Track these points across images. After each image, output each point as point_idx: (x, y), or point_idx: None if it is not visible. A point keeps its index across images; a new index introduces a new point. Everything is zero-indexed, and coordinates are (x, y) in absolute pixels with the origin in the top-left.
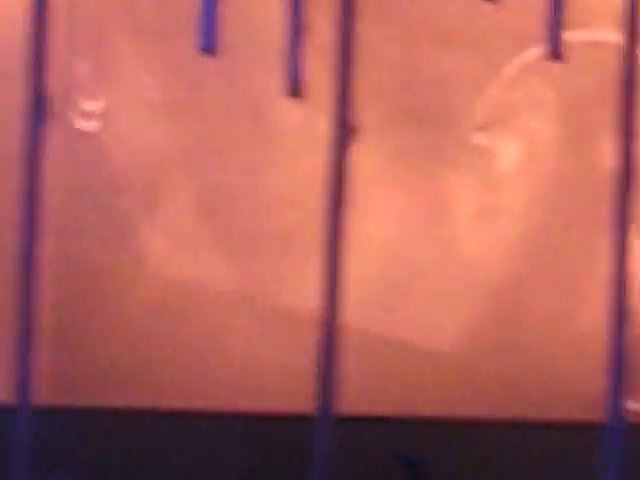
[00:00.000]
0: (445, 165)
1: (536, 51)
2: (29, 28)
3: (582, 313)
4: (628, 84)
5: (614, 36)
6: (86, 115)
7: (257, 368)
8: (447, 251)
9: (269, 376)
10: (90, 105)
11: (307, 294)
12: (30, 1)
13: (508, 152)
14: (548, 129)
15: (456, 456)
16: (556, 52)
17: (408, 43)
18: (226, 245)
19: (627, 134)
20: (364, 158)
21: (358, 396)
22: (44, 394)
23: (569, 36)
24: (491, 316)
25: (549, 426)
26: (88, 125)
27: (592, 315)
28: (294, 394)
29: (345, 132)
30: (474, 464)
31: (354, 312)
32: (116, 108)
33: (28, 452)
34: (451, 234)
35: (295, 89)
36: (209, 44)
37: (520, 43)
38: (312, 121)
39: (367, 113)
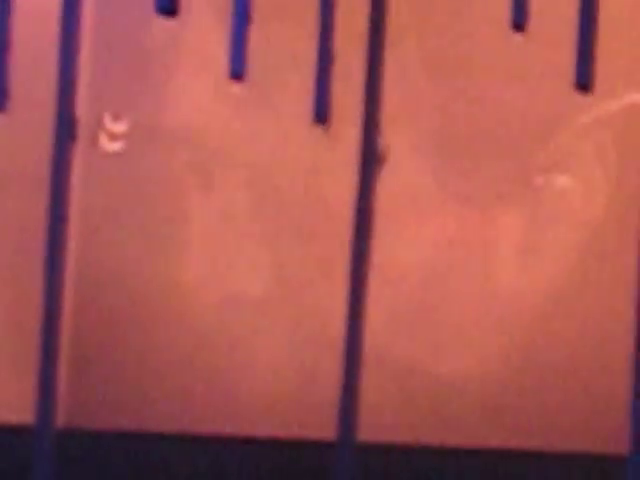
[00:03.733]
0: (498, 199)
1: (611, 103)
2: (59, 36)
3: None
4: None
5: None
6: (112, 136)
7: (280, 393)
8: (483, 284)
9: (290, 402)
10: (117, 126)
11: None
12: (60, 15)
13: (565, 196)
14: (610, 181)
15: None
16: None
17: (473, 75)
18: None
19: None
20: (418, 178)
21: (381, 424)
22: (63, 416)
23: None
24: (522, 346)
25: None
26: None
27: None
28: (313, 420)
29: (373, 159)
30: None
31: (378, 337)
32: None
33: (47, 476)
34: (492, 269)
35: (322, 116)
36: (239, 70)
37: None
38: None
39: (431, 135)
